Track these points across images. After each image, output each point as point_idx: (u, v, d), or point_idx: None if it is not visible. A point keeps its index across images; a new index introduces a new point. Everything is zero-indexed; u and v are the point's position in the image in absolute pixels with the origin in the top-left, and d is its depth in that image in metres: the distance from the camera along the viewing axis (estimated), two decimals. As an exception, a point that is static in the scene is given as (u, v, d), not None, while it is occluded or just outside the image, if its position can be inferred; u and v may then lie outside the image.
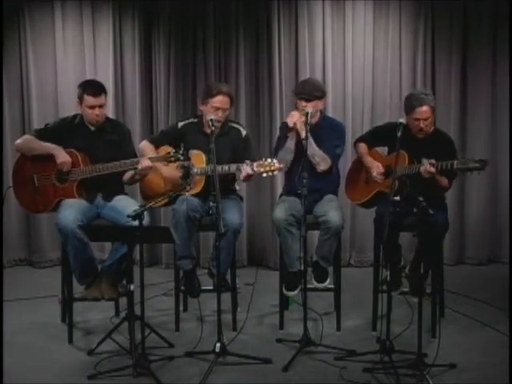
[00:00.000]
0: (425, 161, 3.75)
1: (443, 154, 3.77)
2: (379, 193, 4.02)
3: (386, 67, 5.51)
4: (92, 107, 3.90)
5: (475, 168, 3.58)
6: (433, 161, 3.70)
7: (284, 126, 4.18)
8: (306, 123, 3.83)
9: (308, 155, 3.87)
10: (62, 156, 3.85)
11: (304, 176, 3.63)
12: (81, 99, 3.91)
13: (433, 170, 3.69)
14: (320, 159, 3.99)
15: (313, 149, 3.94)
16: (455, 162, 3.64)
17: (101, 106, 3.93)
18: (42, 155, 3.90)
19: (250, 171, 3.75)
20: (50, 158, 3.87)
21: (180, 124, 4.19)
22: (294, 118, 3.95)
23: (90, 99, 3.88)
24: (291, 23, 5.50)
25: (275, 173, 3.76)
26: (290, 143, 4.02)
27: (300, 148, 3.95)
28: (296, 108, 4.07)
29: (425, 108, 3.84)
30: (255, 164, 3.75)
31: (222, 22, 5.52)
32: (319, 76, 5.40)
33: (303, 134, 3.88)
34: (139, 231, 3.34)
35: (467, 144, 5.53)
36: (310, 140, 3.89)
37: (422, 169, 3.74)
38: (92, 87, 3.94)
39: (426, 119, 3.86)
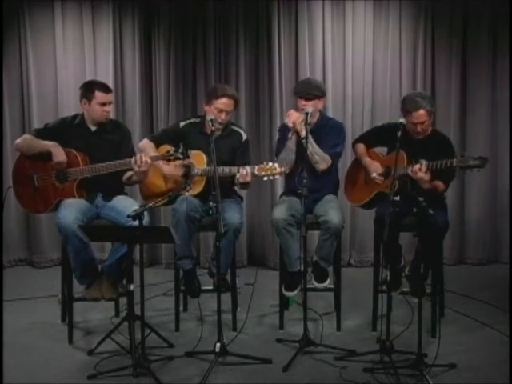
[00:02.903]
0: (422, 161, 3.75)
1: (441, 155, 3.76)
2: (379, 193, 4.02)
3: (385, 67, 5.52)
4: (103, 104, 3.90)
5: (475, 165, 3.57)
6: (424, 167, 3.69)
7: (283, 127, 4.18)
8: (305, 123, 3.82)
9: (308, 154, 3.87)
10: (60, 155, 3.83)
11: (304, 176, 3.63)
12: (89, 97, 3.89)
13: (421, 175, 3.68)
14: (320, 158, 3.98)
15: (312, 147, 3.92)
16: (454, 160, 3.63)
17: (110, 103, 3.95)
18: (41, 155, 3.89)
19: (248, 179, 3.77)
20: (49, 157, 3.85)
21: (182, 124, 4.18)
22: (293, 118, 3.95)
23: (102, 96, 3.89)
24: (291, 23, 5.51)
25: (276, 177, 3.78)
26: (291, 143, 4.00)
27: (300, 148, 3.95)
28: (296, 108, 4.06)
29: (421, 112, 3.82)
30: (256, 167, 3.76)
31: (222, 22, 5.52)
32: (319, 76, 5.40)
33: (303, 133, 3.87)
34: (139, 231, 3.34)
35: (467, 144, 5.52)
36: (310, 139, 3.88)
37: (408, 170, 3.75)
38: (102, 85, 3.97)
39: (422, 123, 3.86)
